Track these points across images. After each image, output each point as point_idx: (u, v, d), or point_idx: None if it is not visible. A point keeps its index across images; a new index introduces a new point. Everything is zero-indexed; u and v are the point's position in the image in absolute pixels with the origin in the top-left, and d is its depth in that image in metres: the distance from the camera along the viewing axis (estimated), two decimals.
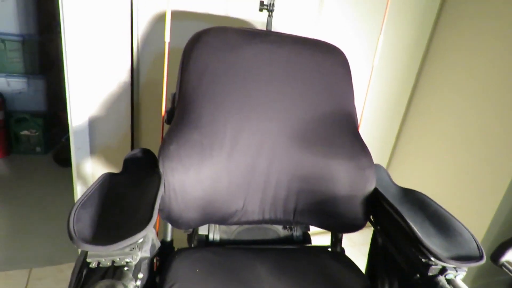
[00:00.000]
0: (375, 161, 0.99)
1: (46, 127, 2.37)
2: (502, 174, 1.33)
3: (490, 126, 1.38)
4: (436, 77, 1.65)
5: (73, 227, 0.56)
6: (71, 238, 0.54)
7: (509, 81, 1.31)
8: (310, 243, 1.04)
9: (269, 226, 1.02)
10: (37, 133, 2.34)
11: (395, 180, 0.98)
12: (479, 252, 0.69)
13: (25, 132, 2.32)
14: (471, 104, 1.46)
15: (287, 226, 1.03)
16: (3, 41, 2.12)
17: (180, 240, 1.03)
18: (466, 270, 0.70)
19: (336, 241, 1.02)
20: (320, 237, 1.30)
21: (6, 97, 2.22)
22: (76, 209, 0.60)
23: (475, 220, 1.43)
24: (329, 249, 1.01)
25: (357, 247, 1.78)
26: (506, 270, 0.58)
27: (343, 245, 1.03)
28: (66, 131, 1.25)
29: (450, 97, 1.56)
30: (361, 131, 1.71)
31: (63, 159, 2.21)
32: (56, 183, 2.09)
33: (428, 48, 1.67)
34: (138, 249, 0.58)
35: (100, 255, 0.55)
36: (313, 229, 1.06)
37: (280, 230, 1.03)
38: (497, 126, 1.36)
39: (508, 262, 0.58)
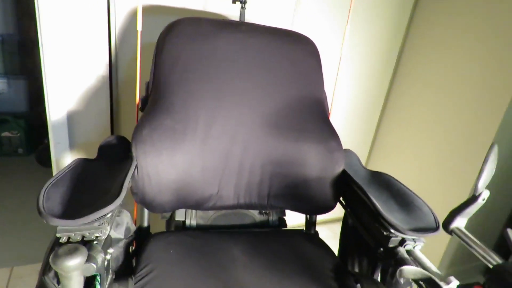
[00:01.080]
0: (356, 152, 1.04)
1: (28, 128, 2.35)
2: (477, 163, 1.39)
3: (465, 117, 1.44)
4: (413, 69, 1.71)
5: (43, 204, 0.58)
6: (39, 213, 0.56)
7: (482, 73, 1.37)
8: (286, 227, 1.08)
9: (245, 211, 1.05)
10: (18, 134, 2.32)
11: (376, 169, 1.02)
12: (436, 224, 0.73)
13: (6, 134, 2.30)
14: (447, 95, 1.52)
15: (263, 212, 1.06)
16: None
17: (159, 228, 1.05)
18: (424, 241, 0.74)
19: (310, 223, 1.05)
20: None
21: None
22: (46, 188, 0.62)
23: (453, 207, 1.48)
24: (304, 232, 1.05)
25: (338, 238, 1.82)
26: (456, 236, 0.62)
27: (325, 235, 1.05)
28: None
29: (428, 88, 1.62)
30: (341, 122, 1.78)
31: (46, 160, 2.20)
32: (39, 184, 2.06)
33: (404, 40, 1.73)
34: (107, 224, 0.60)
35: (70, 230, 0.57)
36: (296, 217, 1.09)
37: (256, 216, 1.06)
38: (471, 117, 1.42)
39: (458, 229, 0.62)
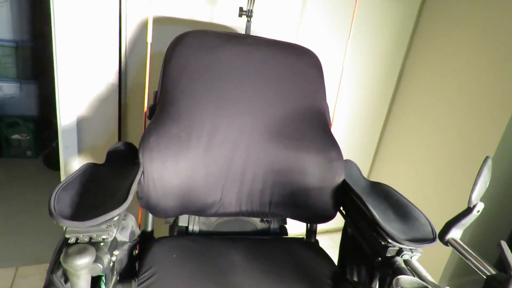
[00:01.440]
0: (358, 163, 1.05)
1: (37, 132, 2.40)
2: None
3: (467, 128, 1.45)
4: (416, 80, 1.72)
5: (54, 205, 0.61)
6: (51, 214, 0.59)
7: (485, 85, 1.39)
8: (287, 235, 1.09)
9: (247, 219, 1.07)
10: (28, 137, 2.37)
11: (378, 180, 1.04)
12: (433, 235, 0.75)
13: (16, 136, 2.35)
14: (450, 106, 1.53)
15: (265, 219, 1.08)
16: None
17: (162, 233, 1.07)
18: (421, 251, 0.75)
19: (311, 232, 1.07)
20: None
21: None
22: (57, 191, 0.65)
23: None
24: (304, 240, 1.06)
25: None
26: (451, 246, 0.64)
27: (326, 245, 1.06)
28: (57, 135, 1.30)
29: (431, 99, 1.63)
30: (344, 133, 1.80)
31: (53, 163, 2.24)
32: (46, 186, 2.12)
33: (408, 51, 1.75)
34: (114, 226, 0.62)
35: (78, 231, 0.60)
36: (298, 226, 1.11)
37: (257, 223, 1.08)
38: (473, 129, 1.43)
39: (453, 239, 0.64)
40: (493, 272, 0.57)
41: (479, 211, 0.60)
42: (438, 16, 1.61)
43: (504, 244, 0.57)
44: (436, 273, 1.57)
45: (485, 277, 0.56)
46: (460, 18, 1.50)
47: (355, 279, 0.91)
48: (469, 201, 0.59)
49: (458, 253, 0.62)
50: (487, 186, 0.60)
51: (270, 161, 0.93)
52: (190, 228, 1.02)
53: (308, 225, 1.08)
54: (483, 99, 1.39)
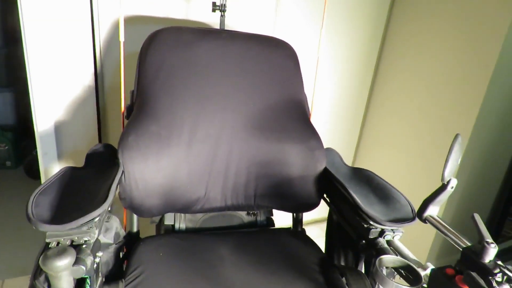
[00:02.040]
0: (342, 150, 1.06)
1: (16, 141, 2.34)
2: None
3: (445, 109, 1.49)
4: (394, 64, 1.75)
5: (32, 210, 0.60)
6: (29, 219, 0.58)
7: (460, 65, 1.42)
8: (274, 227, 1.10)
9: (233, 213, 1.07)
10: (6, 147, 2.31)
11: (363, 166, 1.05)
12: (413, 214, 0.77)
13: None
14: (428, 88, 1.57)
15: (251, 212, 1.09)
16: None
17: (149, 233, 1.06)
18: (403, 231, 0.77)
19: (297, 221, 1.08)
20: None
21: None
22: (35, 195, 0.64)
23: None
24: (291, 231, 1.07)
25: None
26: (429, 223, 0.66)
27: (315, 234, 1.07)
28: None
29: (409, 83, 1.66)
30: (325, 122, 1.82)
31: (35, 172, 2.19)
32: (28, 196, 2.07)
33: (384, 37, 1.77)
34: (95, 228, 0.62)
35: (59, 235, 0.59)
36: (285, 217, 1.12)
37: (244, 217, 1.09)
38: (451, 109, 1.47)
39: (431, 216, 0.66)
40: (469, 244, 0.59)
41: (453, 187, 0.62)
42: None
43: (477, 216, 0.59)
44: (422, 254, 1.62)
45: (461, 250, 0.58)
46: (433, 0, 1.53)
47: (342, 263, 0.93)
48: (442, 177, 0.61)
49: (436, 228, 0.64)
50: (458, 163, 0.62)
51: (252, 154, 0.94)
52: (177, 226, 1.02)
53: (294, 214, 1.09)
54: (460, 79, 1.43)
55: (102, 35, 1.23)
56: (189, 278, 0.78)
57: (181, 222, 1.02)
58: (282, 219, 1.32)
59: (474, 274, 0.49)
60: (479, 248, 0.54)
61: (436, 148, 1.55)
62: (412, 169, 1.67)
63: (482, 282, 0.47)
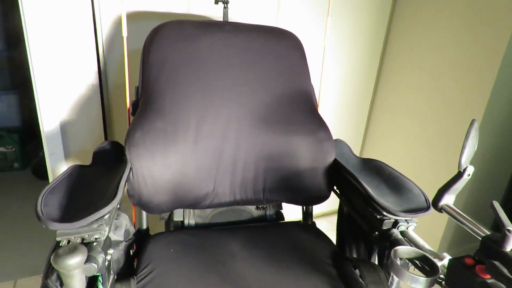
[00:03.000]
0: (350, 141, 1.05)
1: (22, 142, 2.35)
2: None
3: (452, 98, 1.47)
4: (400, 54, 1.72)
5: (41, 209, 0.60)
6: (38, 218, 0.58)
7: (467, 54, 1.39)
8: (283, 221, 1.09)
9: (242, 207, 1.06)
10: (13, 149, 2.32)
11: (371, 156, 1.03)
12: (427, 204, 0.76)
13: (1, 149, 2.30)
14: (434, 77, 1.54)
15: (260, 206, 1.08)
16: None
17: (158, 230, 1.06)
18: (417, 221, 0.76)
19: (307, 214, 1.07)
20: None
21: None
22: (44, 194, 0.64)
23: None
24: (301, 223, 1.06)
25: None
26: (445, 212, 0.64)
27: (324, 227, 1.06)
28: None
29: (415, 72, 1.64)
30: (332, 113, 1.80)
31: (42, 173, 2.20)
32: (37, 196, 2.08)
33: (389, 26, 1.74)
34: (105, 225, 0.61)
35: (69, 233, 0.58)
36: (294, 211, 1.11)
37: (253, 211, 1.08)
38: (459, 97, 1.44)
39: (447, 205, 0.64)
40: (488, 233, 0.58)
41: (469, 174, 0.61)
42: None
43: (496, 204, 0.57)
44: (434, 244, 1.60)
45: (480, 239, 0.57)
46: None
47: (355, 256, 0.92)
48: (459, 165, 0.59)
49: (453, 218, 0.63)
50: (475, 149, 0.60)
51: (260, 147, 0.93)
52: (186, 222, 1.01)
53: (304, 208, 1.08)
54: (467, 65, 1.40)
55: (104, 32, 1.22)
56: (200, 274, 0.77)
57: (190, 218, 1.02)
58: (292, 212, 1.31)
59: (497, 263, 0.47)
60: (500, 236, 0.52)
61: (443, 139, 1.52)
62: (418, 160, 1.65)
63: (506, 271, 0.45)
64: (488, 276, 0.50)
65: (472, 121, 0.59)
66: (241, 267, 0.80)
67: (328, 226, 1.77)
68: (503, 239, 0.51)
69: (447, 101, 1.49)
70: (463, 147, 0.58)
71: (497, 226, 0.55)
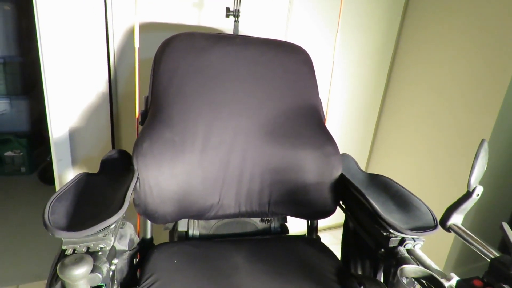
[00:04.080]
0: (356, 156, 1.05)
1: (30, 147, 2.38)
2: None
3: (460, 115, 1.46)
4: (407, 70, 1.73)
5: (48, 217, 0.60)
6: (45, 226, 0.58)
7: (475, 71, 1.39)
8: (288, 234, 1.08)
9: (247, 219, 1.06)
10: (21, 154, 2.34)
11: (376, 172, 1.03)
12: (434, 222, 0.75)
13: (9, 153, 2.33)
14: (442, 94, 1.54)
15: (265, 219, 1.07)
16: None
17: (162, 240, 1.06)
18: (424, 239, 0.75)
19: (312, 228, 1.06)
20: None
21: None
22: (51, 202, 0.64)
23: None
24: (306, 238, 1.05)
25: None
26: (453, 232, 0.63)
27: (328, 241, 1.05)
28: (51, 150, 1.28)
29: (423, 89, 1.64)
30: (339, 127, 1.80)
31: (49, 178, 2.22)
32: (42, 201, 2.07)
33: (397, 42, 1.76)
34: (111, 235, 0.61)
35: (75, 242, 0.59)
36: (299, 224, 1.10)
37: (258, 223, 1.07)
38: (466, 115, 1.43)
39: (455, 225, 0.64)
40: (497, 255, 0.57)
41: (478, 194, 0.60)
42: (425, 4, 1.62)
43: (506, 226, 0.56)
44: (439, 263, 1.57)
45: (489, 260, 0.56)
46: (447, 5, 1.51)
47: (360, 272, 0.91)
48: (468, 185, 0.59)
49: (460, 238, 0.62)
50: (485, 169, 0.59)
51: (266, 160, 0.93)
52: (190, 232, 1.01)
53: (309, 221, 1.07)
54: (475, 84, 1.40)
55: (116, 41, 1.24)
56: (203, 286, 0.76)
57: (194, 228, 1.01)
58: (296, 225, 1.30)
59: (507, 287, 0.46)
60: (509, 259, 0.51)
61: (449, 156, 1.51)
62: (424, 176, 1.64)
63: None
64: None
65: (482, 141, 0.59)
66: (245, 281, 0.80)
67: (332, 240, 1.75)
68: None
69: (454, 118, 1.48)
70: (473, 167, 0.58)
71: (505, 247, 0.54)
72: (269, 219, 1.07)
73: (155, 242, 0.95)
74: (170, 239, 1.06)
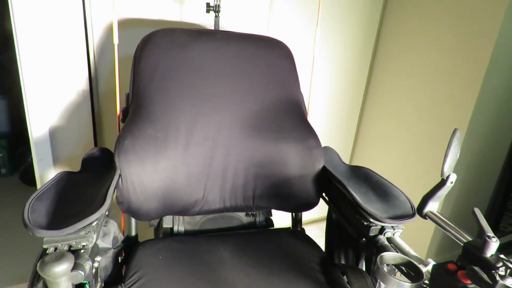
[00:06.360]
0: (340, 149, 1.06)
1: (10, 148, 2.32)
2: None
3: (440, 105, 1.50)
4: (389, 62, 1.75)
5: (28, 216, 0.59)
6: (25, 225, 0.57)
7: (454, 62, 1.42)
8: (273, 227, 1.10)
9: (232, 214, 1.06)
10: (1, 155, 2.29)
11: (361, 164, 1.05)
12: (412, 211, 0.77)
13: None
14: (423, 85, 1.57)
15: (250, 213, 1.08)
16: None
17: (147, 237, 1.05)
18: (403, 227, 0.77)
19: (296, 221, 1.08)
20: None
21: None
22: (31, 201, 0.63)
23: None
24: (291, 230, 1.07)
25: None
26: (429, 219, 0.66)
27: (315, 234, 1.07)
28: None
29: (404, 80, 1.67)
30: (322, 121, 1.82)
31: (31, 179, 2.17)
32: (24, 203, 2.05)
33: (378, 35, 1.78)
34: (93, 232, 0.61)
35: (56, 240, 0.58)
36: (284, 218, 1.12)
37: (243, 218, 1.08)
38: (447, 105, 1.47)
39: (431, 212, 0.66)
40: (470, 239, 0.59)
41: (452, 182, 0.62)
42: None
43: (477, 211, 0.59)
44: (422, 251, 1.62)
45: (462, 245, 0.58)
46: None
47: (343, 262, 0.93)
48: (442, 173, 0.61)
49: (436, 224, 0.64)
50: (457, 158, 0.62)
51: (250, 155, 0.93)
52: (175, 228, 1.01)
53: (293, 214, 1.09)
54: (454, 72, 1.43)
55: (95, 38, 1.22)
56: (189, 281, 0.77)
57: (179, 224, 1.02)
58: (281, 219, 1.32)
59: (477, 268, 0.48)
60: (481, 242, 0.53)
61: (432, 145, 1.55)
62: (408, 166, 1.68)
63: (485, 276, 0.47)
64: (470, 282, 0.51)
65: (454, 130, 0.61)
66: (231, 274, 0.81)
67: (318, 232, 1.78)
68: (484, 245, 0.52)
69: (435, 107, 1.52)
70: (446, 156, 0.60)
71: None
72: (254, 213, 1.08)
73: (140, 240, 0.94)
74: (155, 236, 1.06)
